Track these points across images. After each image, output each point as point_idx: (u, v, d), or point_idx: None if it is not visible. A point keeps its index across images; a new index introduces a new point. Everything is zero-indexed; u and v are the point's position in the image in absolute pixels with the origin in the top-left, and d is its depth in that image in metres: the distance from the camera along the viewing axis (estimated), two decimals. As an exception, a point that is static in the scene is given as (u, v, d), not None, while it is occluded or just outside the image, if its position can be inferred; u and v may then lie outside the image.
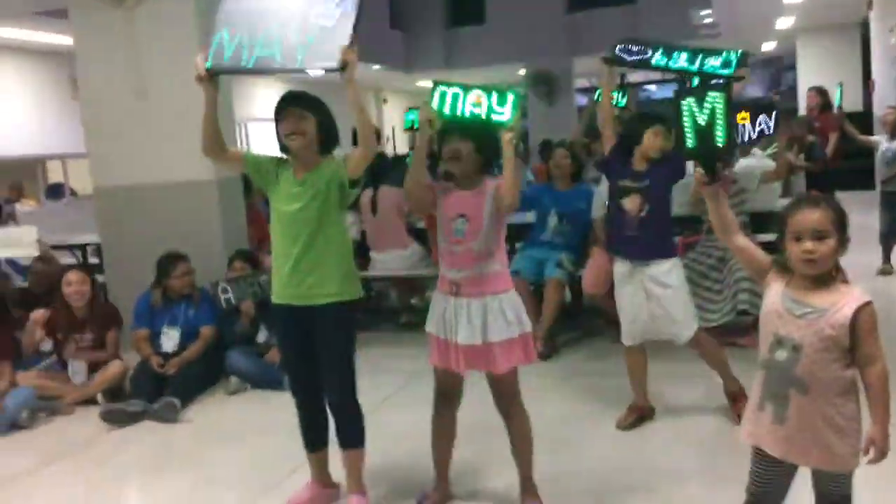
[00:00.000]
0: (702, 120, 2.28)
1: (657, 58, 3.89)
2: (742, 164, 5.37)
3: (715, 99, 2.28)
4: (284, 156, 3.05)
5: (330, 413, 3.08)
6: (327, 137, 2.99)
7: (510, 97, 2.67)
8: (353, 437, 3.07)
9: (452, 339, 2.84)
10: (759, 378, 2.24)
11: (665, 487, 3.18)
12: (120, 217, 5.84)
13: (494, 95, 2.68)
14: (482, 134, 2.81)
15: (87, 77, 5.86)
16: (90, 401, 4.62)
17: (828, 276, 2.13)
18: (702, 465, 3.34)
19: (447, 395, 3.01)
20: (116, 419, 4.30)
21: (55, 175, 13.05)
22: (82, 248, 7.21)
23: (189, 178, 5.51)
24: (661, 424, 3.79)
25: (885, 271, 6.83)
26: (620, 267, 3.78)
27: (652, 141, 3.63)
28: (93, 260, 6.87)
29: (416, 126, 6.91)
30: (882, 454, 2.09)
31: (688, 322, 3.68)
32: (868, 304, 2.08)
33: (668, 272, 3.64)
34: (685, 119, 2.31)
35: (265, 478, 3.50)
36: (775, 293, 2.18)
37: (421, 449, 3.14)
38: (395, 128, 18.36)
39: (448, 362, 2.88)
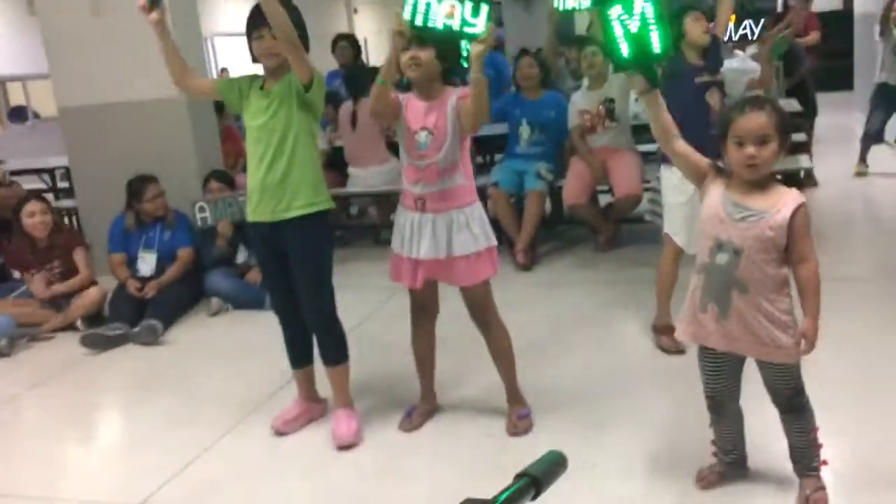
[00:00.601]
0: (634, 27, 2.21)
1: None
2: (726, 66, 5.26)
3: (644, 6, 2.21)
4: (254, 71, 2.97)
5: (311, 330, 3.07)
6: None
7: (484, 7, 2.53)
8: (334, 353, 3.07)
9: (413, 254, 2.82)
10: (698, 282, 2.29)
11: (648, 391, 3.24)
12: (88, 139, 5.64)
13: (468, 5, 2.54)
14: (443, 40, 2.70)
15: (42, -10, 5.56)
16: (70, 326, 4.59)
17: (766, 179, 2.18)
18: (683, 369, 3.39)
19: (423, 308, 3.02)
20: (96, 343, 4.27)
21: (16, 98, 12.63)
22: (50, 171, 7.03)
23: (157, 96, 5.31)
24: (640, 328, 3.82)
25: (860, 172, 6.76)
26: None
27: (696, 28, 3.42)
28: (62, 184, 6.70)
29: None
30: (812, 344, 2.17)
31: None
32: (803, 204, 2.15)
33: None
34: (615, 29, 2.22)
35: (252, 395, 3.51)
36: (715, 197, 2.22)
37: (406, 362, 3.16)
38: (366, 39, 17.87)
39: (402, 277, 2.88)
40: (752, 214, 2.16)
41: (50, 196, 6.03)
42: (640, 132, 5.37)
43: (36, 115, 11.91)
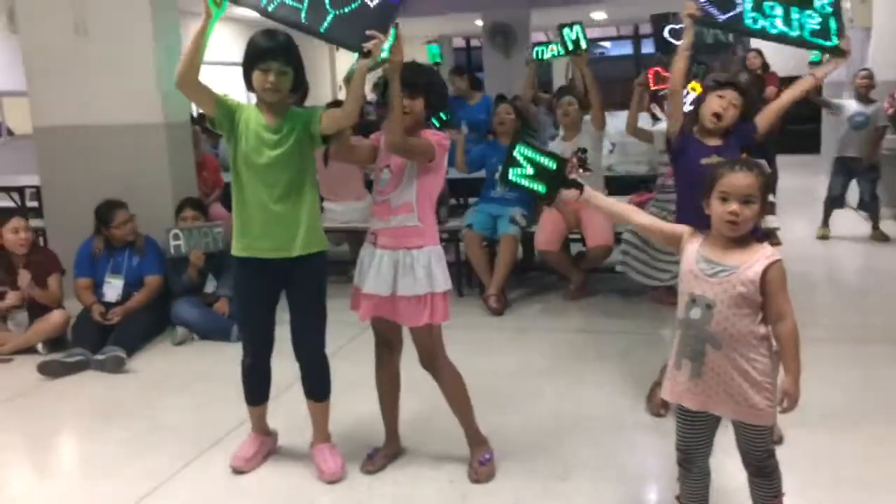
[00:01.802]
0: (529, 171, 2.56)
1: (749, 16, 3.08)
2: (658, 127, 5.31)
3: (520, 150, 2.56)
4: (248, 100, 2.95)
5: (301, 365, 3.06)
6: (301, 88, 2.91)
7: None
8: (323, 388, 3.09)
9: (363, 288, 2.88)
10: (677, 338, 2.33)
11: (613, 442, 3.24)
12: (61, 159, 5.59)
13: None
14: (432, 89, 2.81)
15: (25, 7, 5.54)
16: (31, 350, 4.50)
17: (742, 237, 2.22)
18: (650, 421, 3.41)
19: (386, 342, 3.03)
20: (54, 371, 4.18)
21: (-9, 113, 12.47)
22: (20, 190, 6.94)
23: (136, 120, 5.30)
24: (608, 378, 3.84)
25: (823, 235, 6.97)
26: None
27: (710, 105, 3.08)
28: (31, 203, 6.62)
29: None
30: (794, 403, 2.21)
31: None
32: (777, 261, 2.18)
33: None
34: (524, 183, 2.57)
35: (213, 428, 3.46)
36: (690, 254, 2.28)
37: (372, 399, 3.14)
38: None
39: (357, 308, 2.94)
40: (723, 270, 2.20)
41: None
42: (613, 183, 5.47)
43: (10, 133, 11.76)
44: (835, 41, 3.09)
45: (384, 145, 2.83)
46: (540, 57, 5.69)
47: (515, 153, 2.55)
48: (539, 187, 2.55)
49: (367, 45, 2.64)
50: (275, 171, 2.83)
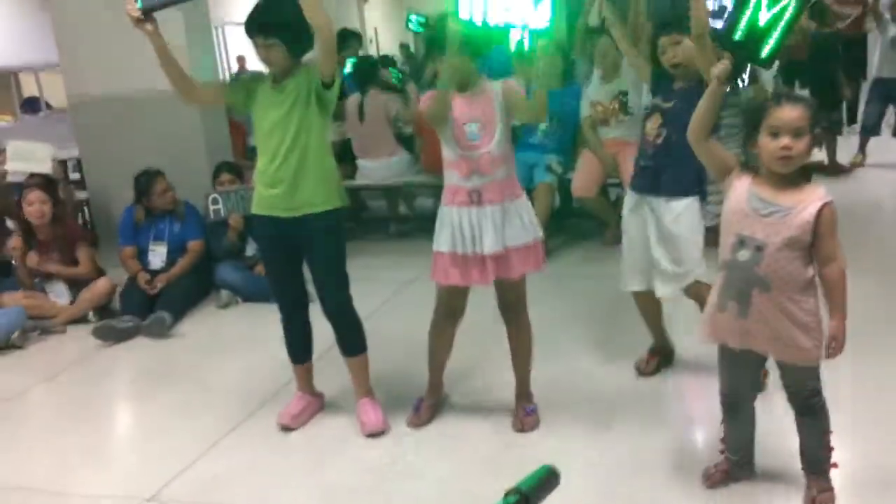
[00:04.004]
0: (763, 20, 2.17)
1: None
2: None
3: (789, 5, 2.15)
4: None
5: (329, 323, 3.08)
6: (299, 48, 2.88)
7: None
8: (354, 343, 3.11)
9: (478, 252, 2.77)
10: (720, 280, 2.26)
11: (657, 389, 3.24)
12: (98, 130, 5.67)
13: None
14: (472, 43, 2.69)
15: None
16: (81, 320, 4.61)
17: (794, 175, 2.15)
18: (692, 367, 3.37)
19: (452, 312, 2.99)
20: (108, 335, 4.29)
21: (29, 89, 12.67)
22: (62, 163, 7.05)
23: (167, 86, 5.29)
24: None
25: (857, 163, 6.86)
26: (628, 198, 3.21)
27: (665, 51, 2.99)
28: (74, 175, 6.73)
29: (421, 30, 6.62)
30: (841, 347, 2.16)
31: (688, 273, 3.03)
32: (829, 203, 2.12)
33: (680, 212, 2.99)
34: (748, 9, 2.17)
35: (260, 389, 3.52)
36: (741, 192, 2.19)
37: (416, 354, 3.16)
38: (377, 29, 17.82)
39: (471, 278, 2.83)
40: (777, 210, 2.13)
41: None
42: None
43: (49, 106, 11.95)
44: None
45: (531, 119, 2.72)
46: None
47: (786, 3, 2.14)
48: (741, 31, 2.16)
49: None
50: (280, 129, 2.85)
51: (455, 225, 2.80)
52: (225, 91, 3.04)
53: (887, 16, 6.80)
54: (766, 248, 2.13)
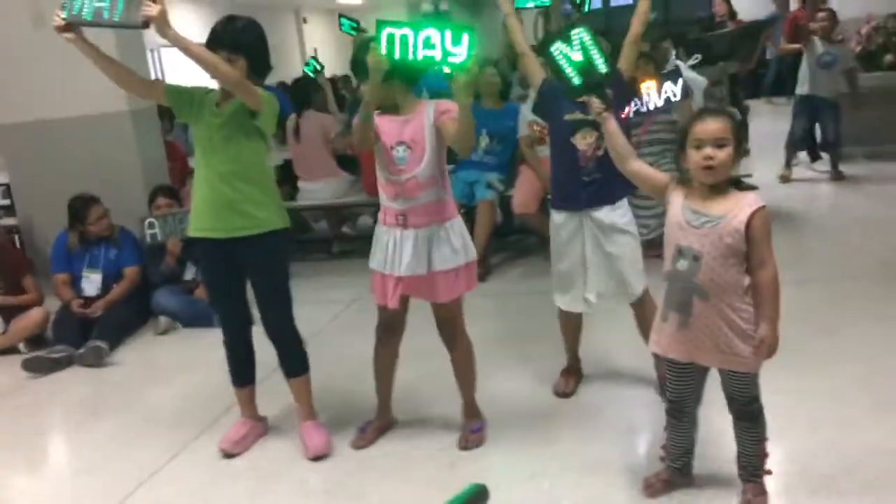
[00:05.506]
0: (577, 57, 2.53)
1: None
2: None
3: (580, 34, 2.54)
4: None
5: (272, 343, 3.06)
6: (261, 69, 2.91)
7: (465, 35, 2.41)
8: (296, 364, 3.09)
9: (395, 272, 2.79)
10: (665, 291, 2.34)
11: (599, 402, 3.28)
12: (29, 155, 5.52)
13: (448, 33, 2.41)
14: (406, 69, 2.67)
15: (-21, 3, 5.42)
16: (11, 349, 4.46)
17: (723, 185, 2.24)
18: (635, 380, 3.44)
19: (391, 328, 2.99)
20: (39, 367, 4.16)
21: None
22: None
23: (100, 110, 5.23)
24: (594, 337, 3.85)
25: (784, 177, 7.07)
26: (564, 220, 3.17)
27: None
28: (2, 202, 6.52)
29: (319, 69, 6.72)
30: (772, 351, 2.23)
31: (641, 275, 3.13)
32: (761, 209, 2.19)
33: (624, 215, 3.09)
34: (562, 62, 2.55)
35: (203, 415, 3.46)
36: (676, 205, 2.29)
37: (361, 374, 3.15)
38: (316, 49, 17.78)
39: (386, 297, 2.84)
40: (708, 221, 2.21)
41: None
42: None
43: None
44: None
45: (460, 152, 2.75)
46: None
47: (575, 33, 2.50)
48: (575, 77, 2.52)
49: (144, 15, 2.62)
50: (219, 151, 2.85)
51: (383, 244, 2.83)
52: (166, 89, 2.94)
53: (815, 36, 7.05)
54: (702, 258, 2.21)
